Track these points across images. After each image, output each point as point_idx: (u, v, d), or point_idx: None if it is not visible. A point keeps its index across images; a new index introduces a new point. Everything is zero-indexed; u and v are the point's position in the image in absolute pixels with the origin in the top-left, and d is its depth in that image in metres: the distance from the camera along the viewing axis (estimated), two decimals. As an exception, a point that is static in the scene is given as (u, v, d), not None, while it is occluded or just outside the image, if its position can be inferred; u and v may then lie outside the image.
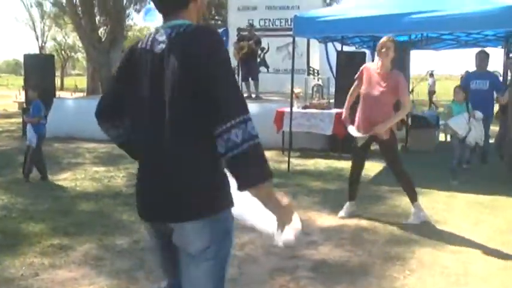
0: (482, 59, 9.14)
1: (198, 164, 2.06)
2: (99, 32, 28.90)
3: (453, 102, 7.99)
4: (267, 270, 4.41)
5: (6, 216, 6.06)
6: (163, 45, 2.08)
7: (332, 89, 11.53)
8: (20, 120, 14.32)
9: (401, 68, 10.33)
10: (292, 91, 9.37)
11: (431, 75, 25.60)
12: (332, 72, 12.52)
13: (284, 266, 4.49)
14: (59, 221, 5.81)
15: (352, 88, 6.08)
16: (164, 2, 2.18)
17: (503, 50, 11.08)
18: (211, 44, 2.03)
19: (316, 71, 15.28)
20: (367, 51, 13.05)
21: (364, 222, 5.81)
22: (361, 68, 6.02)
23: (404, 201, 6.52)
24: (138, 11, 34.77)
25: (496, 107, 9.15)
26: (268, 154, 10.31)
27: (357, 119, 5.85)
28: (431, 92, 25.68)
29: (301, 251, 4.84)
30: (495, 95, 8.93)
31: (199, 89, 1.96)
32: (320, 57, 15.19)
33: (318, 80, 11.98)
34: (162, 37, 2.11)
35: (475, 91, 8.65)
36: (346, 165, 9.17)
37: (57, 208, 6.40)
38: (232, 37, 16.92)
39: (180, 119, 2.03)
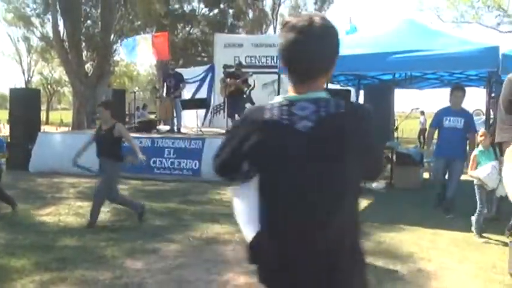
0: (458, 95, 8.14)
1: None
2: (86, 67, 29.04)
3: (479, 149, 6.88)
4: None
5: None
6: (309, 123, 1.92)
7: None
8: None
9: (386, 106, 10.51)
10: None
11: (422, 113, 25.75)
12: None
13: None
14: (41, 257, 5.71)
15: None
16: (312, 69, 1.98)
17: (485, 90, 11.25)
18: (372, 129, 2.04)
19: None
20: (352, 89, 13.23)
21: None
22: None
23: (388, 237, 6.53)
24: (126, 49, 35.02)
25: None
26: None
27: None
28: (423, 130, 25.77)
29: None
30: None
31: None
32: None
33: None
34: (303, 112, 1.94)
35: (449, 129, 8.02)
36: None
37: (39, 243, 6.30)
38: (218, 73, 17.08)
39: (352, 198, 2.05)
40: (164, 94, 14.45)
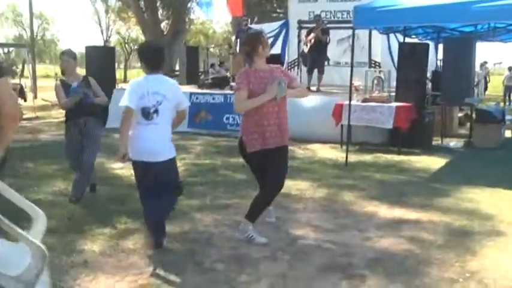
0: None
1: None
2: (162, 25, 29.35)
3: None
4: (318, 266, 4.24)
5: (62, 202, 6.14)
6: None
7: (393, 82, 11.21)
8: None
9: (466, 61, 9.95)
10: (351, 84, 9.11)
11: (510, 68, 24.10)
12: (394, 64, 12.16)
13: (336, 262, 4.32)
14: (113, 209, 5.84)
15: None
16: None
17: None
18: None
19: (377, 64, 14.90)
20: (431, 43, 12.59)
21: (424, 219, 5.54)
22: None
23: (466, 198, 6.23)
24: (201, 5, 34.99)
25: None
26: (326, 147, 10.12)
27: None
28: (509, 87, 23.99)
29: (355, 248, 4.65)
30: None
31: None
32: (382, 49, 14.79)
33: (379, 73, 11.65)
34: None
35: None
36: (405, 159, 8.93)
37: (112, 196, 6.46)
38: (293, 29, 16.75)
39: None
40: (237, 50, 14.34)
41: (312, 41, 12.86)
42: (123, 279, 3.98)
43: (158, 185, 4.47)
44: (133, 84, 4.61)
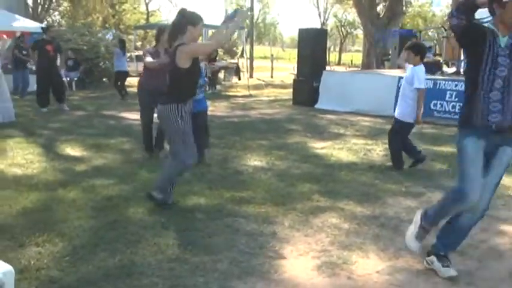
0: None
1: None
2: (378, 8, 28.96)
3: None
4: (509, 268, 3.90)
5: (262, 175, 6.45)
6: None
7: None
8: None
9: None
10: None
11: None
12: None
13: (532, 268, 3.93)
14: (308, 187, 5.99)
15: None
16: None
17: None
18: None
19: None
20: None
21: None
22: None
23: None
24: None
25: None
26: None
27: None
28: None
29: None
30: None
31: None
32: None
33: None
34: None
35: None
36: None
37: (309, 174, 6.60)
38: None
39: None
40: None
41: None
42: (306, 254, 4.09)
43: None
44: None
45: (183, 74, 4.75)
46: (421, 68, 6.65)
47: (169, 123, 4.80)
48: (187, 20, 4.72)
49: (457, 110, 10.92)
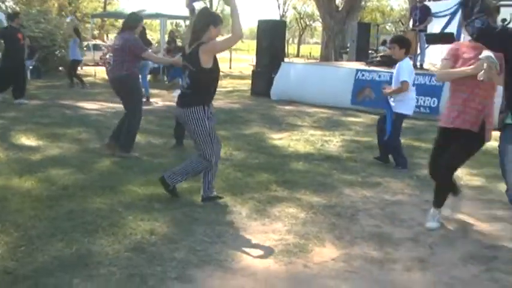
0: None
1: None
2: (337, 1, 29.21)
3: None
4: (460, 255, 4.04)
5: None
6: None
7: None
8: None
9: None
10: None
11: None
12: None
13: (480, 254, 4.07)
14: (265, 177, 6.04)
15: None
16: None
17: None
18: None
19: None
20: None
21: None
22: None
23: None
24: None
25: None
26: None
27: None
28: None
29: (504, 241, 4.34)
30: None
31: None
32: None
33: None
34: None
35: None
36: None
37: (266, 165, 6.65)
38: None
39: None
40: (410, 27, 13.88)
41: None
42: (263, 242, 4.14)
43: None
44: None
45: (207, 74, 4.76)
46: (407, 61, 6.59)
47: (197, 125, 4.78)
48: (209, 20, 4.74)
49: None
